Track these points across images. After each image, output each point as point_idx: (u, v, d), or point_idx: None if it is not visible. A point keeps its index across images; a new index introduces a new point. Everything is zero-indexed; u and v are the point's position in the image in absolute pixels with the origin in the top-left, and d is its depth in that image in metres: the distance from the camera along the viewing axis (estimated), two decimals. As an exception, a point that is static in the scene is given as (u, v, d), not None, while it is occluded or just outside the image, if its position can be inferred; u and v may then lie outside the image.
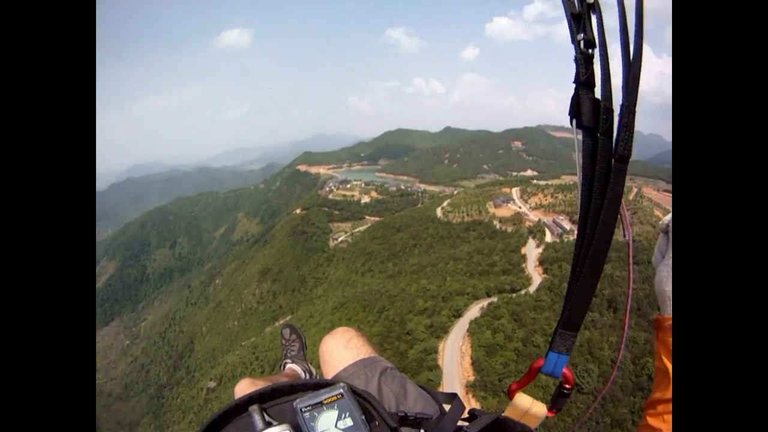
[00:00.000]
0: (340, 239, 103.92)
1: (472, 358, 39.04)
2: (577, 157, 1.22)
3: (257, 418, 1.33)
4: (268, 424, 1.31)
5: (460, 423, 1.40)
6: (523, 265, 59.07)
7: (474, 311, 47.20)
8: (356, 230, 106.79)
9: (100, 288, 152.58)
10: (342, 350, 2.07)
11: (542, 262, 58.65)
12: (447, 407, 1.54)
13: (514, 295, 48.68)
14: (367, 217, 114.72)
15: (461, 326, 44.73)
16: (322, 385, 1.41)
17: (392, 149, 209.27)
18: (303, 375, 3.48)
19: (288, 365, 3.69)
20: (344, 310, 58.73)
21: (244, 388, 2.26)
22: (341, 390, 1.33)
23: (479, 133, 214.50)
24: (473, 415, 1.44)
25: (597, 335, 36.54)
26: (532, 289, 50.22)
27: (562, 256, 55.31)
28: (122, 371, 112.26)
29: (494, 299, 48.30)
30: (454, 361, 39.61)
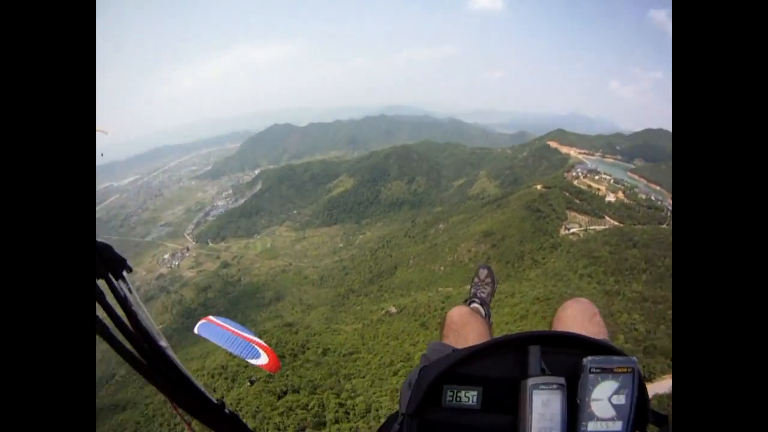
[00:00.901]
0: (572, 230, 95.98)
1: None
2: None
3: (534, 361, 1.28)
4: (543, 371, 1.27)
5: None
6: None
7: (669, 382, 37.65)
8: (591, 227, 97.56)
9: (333, 197, 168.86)
10: (587, 322, 2.06)
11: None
12: None
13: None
14: (607, 217, 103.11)
15: (650, 390, 35.72)
16: (615, 351, 1.36)
17: (651, 150, 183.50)
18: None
19: (474, 304, 3.58)
20: (546, 304, 50.44)
21: (462, 314, 2.47)
22: (633, 365, 1.26)
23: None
24: None
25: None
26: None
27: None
28: (325, 266, 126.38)
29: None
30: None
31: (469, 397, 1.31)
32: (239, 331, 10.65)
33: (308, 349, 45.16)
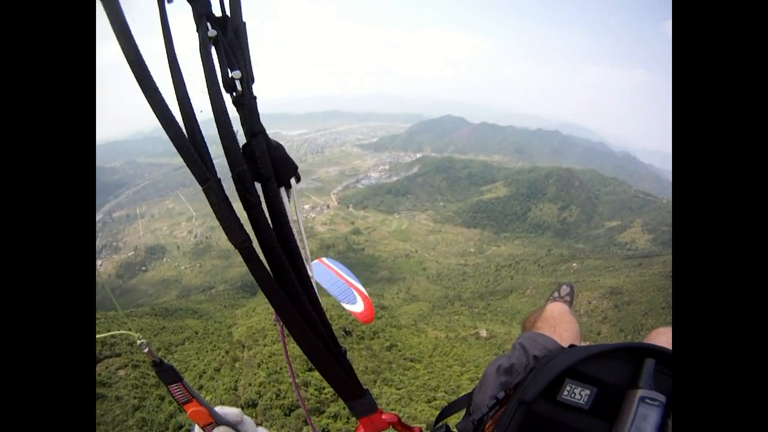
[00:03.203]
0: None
1: None
2: None
3: (647, 373, 1.29)
4: (650, 386, 1.26)
5: None
6: None
7: None
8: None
9: (482, 200, 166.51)
10: None
11: None
12: None
13: None
14: None
15: None
16: None
17: None
18: None
19: None
20: None
21: (562, 311, 2.56)
22: None
23: None
24: None
25: None
26: None
27: None
28: (447, 264, 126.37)
29: None
30: None
31: (583, 396, 1.29)
32: (344, 275, 10.50)
33: (378, 337, 44.57)
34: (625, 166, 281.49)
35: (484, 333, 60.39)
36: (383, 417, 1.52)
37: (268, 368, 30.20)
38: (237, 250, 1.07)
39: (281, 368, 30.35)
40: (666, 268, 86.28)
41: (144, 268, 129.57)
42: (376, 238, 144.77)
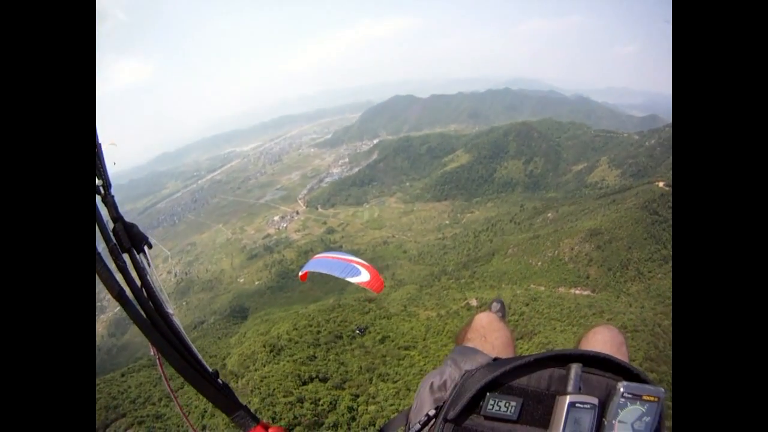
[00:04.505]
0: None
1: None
2: None
3: (573, 379, 1.33)
4: (579, 390, 1.32)
5: None
6: None
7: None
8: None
9: (447, 171, 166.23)
10: (614, 350, 2.12)
11: None
12: None
13: None
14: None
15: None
16: (646, 380, 1.41)
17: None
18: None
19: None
20: (631, 338, 38.02)
21: (491, 320, 2.61)
22: (661, 395, 1.31)
23: None
24: None
25: None
26: None
27: None
28: (426, 242, 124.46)
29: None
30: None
31: (509, 407, 1.34)
32: (341, 256, 11.41)
33: (369, 332, 43.77)
34: (580, 109, 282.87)
35: (474, 302, 59.09)
36: (270, 431, 1.67)
37: (261, 393, 29.52)
38: (117, 301, 1.41)
39: (273, 390, 29.52)
40: (639, 199, 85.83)
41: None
42: (351, 232, 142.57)
